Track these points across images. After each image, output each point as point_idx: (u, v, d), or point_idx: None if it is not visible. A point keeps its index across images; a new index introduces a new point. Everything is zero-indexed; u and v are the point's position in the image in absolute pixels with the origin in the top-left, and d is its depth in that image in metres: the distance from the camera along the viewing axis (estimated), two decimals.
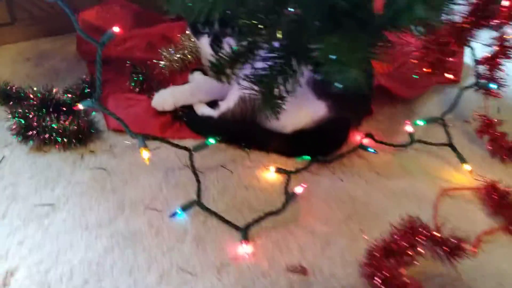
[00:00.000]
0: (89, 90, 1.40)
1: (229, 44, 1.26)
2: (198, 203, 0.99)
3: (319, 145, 1.24)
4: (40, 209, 1.03)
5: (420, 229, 0.93)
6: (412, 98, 1.49)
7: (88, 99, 0.99)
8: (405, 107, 1.47)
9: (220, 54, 0.90)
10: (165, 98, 1.32)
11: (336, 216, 1.05)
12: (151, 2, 2.01)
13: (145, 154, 0.95)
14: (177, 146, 1.03)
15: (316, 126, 1.22)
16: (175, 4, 0.85)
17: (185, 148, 1.04)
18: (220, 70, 0.89)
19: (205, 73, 1.46)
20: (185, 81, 1.44)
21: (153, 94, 1.37)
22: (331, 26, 0.83)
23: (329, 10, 0.80)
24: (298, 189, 1.04)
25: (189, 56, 1.47)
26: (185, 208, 0.99)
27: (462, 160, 1.22)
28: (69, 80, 1.53)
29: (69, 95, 1.37)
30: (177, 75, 1.49)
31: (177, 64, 1.46)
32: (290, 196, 1.03)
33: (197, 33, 1.29)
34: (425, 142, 1.28)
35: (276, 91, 0.99)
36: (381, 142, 1.29)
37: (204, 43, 1.28)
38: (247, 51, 0.89)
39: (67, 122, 1.20)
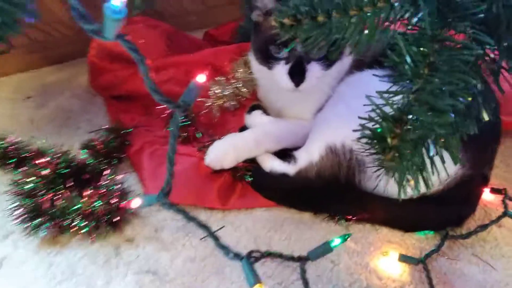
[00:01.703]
0: (115, 142, 1.03)
1: (315, 73, 0.92)
2: None
3: (448, 215, 0.88)
4: None
5: None
6: None
7: (149, 194, 0.63)
8: None
9: (378, 112, 0.54)
10: (225, 152, 0.96)
11: None
12: (189, 20, 1.68)
13: None
14: (289, 258, 0.67)
15: (446, 188, 0.86)
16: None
17: (298, 259, 0.67)
18: (385, 142, 0.52)
19: (265, 111, 1.10)
20: (242, 126, 1.09)
21: (202, 145, 1.01)
22: None
23: None
24: None
25: (243, 90, 1.11)
26: None
27: None
28: (84, 126, 1.18)
29: (89, 151, 1.00)
30: (230, 116, 1.13)
31: (231, 102, 1.10)
32: None
33: (268, 59, 0.94)
34: None
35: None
36: None
37: (279, 72, 0.94)
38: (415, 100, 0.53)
39: (93, 199, 0.83)
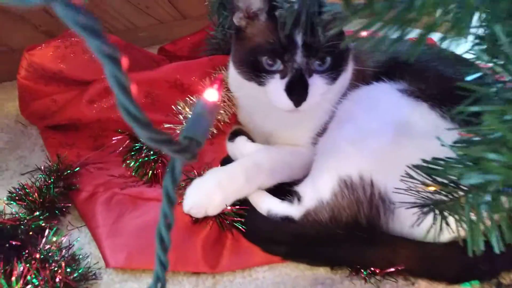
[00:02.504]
0: (57, 188, 0.77)
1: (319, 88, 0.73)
2: None
3: (499, 258, 0.70)
4: None
5: None
6: None
7: None
8: None
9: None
10: (209, 194, 0.74)
11: None
12: (138, 37, 1.44)
13: None
14: None
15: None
16: None
17: None
18: None
19: (250, 138, 0.89)
20: (224, 157, 0.87)
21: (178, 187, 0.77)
22: None
23: None
24: None
25: (221, 112, 0.89)
26: None
27: None
28: (14, 167, 0.92)
29: (21, 203, 0.74)
30: (207, 145, 0.90)
31: None
32: None
33: (258, 72, 0.74)
34: None
35: None
36: None
37: (274, 89, 0.73)
38: None
39: (28, 275, 0.57)
